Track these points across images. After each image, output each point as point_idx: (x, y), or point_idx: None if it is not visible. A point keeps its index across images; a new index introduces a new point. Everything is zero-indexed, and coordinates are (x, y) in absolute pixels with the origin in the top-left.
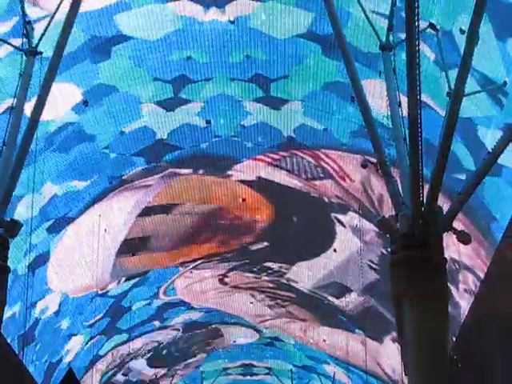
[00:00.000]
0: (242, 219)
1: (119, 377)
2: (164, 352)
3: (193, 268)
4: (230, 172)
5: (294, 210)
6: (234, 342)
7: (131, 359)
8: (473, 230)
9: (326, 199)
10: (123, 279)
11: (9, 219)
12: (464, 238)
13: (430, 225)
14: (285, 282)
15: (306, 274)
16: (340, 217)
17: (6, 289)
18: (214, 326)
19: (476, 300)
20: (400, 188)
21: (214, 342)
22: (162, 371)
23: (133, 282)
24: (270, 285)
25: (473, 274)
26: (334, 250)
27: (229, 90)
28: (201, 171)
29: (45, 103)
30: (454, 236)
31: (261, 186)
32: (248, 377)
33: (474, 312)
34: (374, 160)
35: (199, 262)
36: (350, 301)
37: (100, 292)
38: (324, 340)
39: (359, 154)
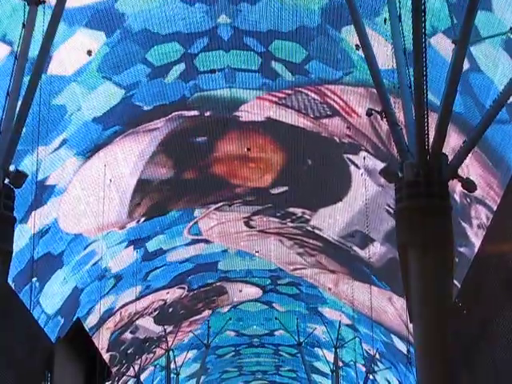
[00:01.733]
0: (257, 162)
1: (127, 335)
2: (170, 310)
3: (215, 210)
4: (237, 113)
5: (307, 152)
6: (240, 290)
7: (138, 318)
8: (485, 161)
9: (337, 139)
10: (142, 219)
11: (14, 170)
12: (469, 186)
13: (435, 173)
14: (310, 229)
15: (328, 222)
16: (353, 158)
17: (12, 239)
18: (218, 283)
19: (484, 240)
20: (405, 136)
21: (218, 299)
22: (169, 328)
23: (153, 221)
24: (297, 231)
25: (486, 207)
26: (340, 200)
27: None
28: (207, 113)
29: (48, 54)
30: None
31: (271, 126)
32: (254, 327)
33: (482, 253)
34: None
35: (220, 204)
36: (374, 252)
37: (119, 230)
38: (328, 288)
39: (361, 86)
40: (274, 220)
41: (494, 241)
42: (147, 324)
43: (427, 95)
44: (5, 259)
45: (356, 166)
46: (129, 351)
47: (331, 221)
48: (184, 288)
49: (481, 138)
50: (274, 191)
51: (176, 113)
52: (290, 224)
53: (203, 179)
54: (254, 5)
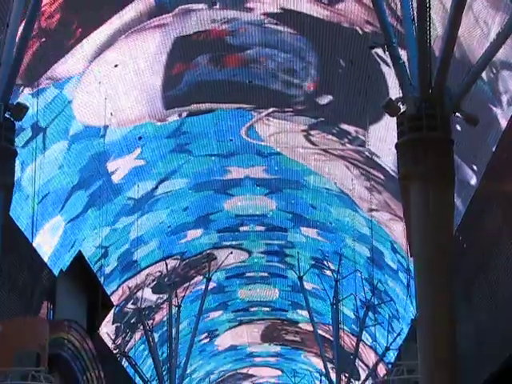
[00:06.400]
0: (289, 64)
1: (129, 306)
2: (166, 279)
3: (267, 115)
4: (249, 5)
5: (336, 49)
6: (231, 252)
7: (138, 290)
8: None
9: (359, 30)
10: (184, 113)
11: (15, 103)
12: (471, 120)
13: (437, 107)
14: (369, 155)
15: (382, 145)
16: (381, 53)
17: (14, 172)
18: (208, 251)
19: (485, 173)
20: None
21: (208, 264)
22: (165, 296)
23: (200, 117)
24: (358, 157)
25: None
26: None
27: None
28: (217, 6)
29: None
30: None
31: (289, 19)
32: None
33: (483, 187)
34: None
35: (271, 110)
36: None
37: (159, 123)
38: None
39: None
40: (333, 139)
41: (495, 174)
42: (146, 294)
43: (430, 28)
44: (6, 192)
45: (386, 63)
46: (132, 321)
47: (385, 144)
48: (178, 259)
49: (483, 71)
50: (321, 101)
51: (181, 7)
52: (350, 146)
53: (237, 82)
54: None
